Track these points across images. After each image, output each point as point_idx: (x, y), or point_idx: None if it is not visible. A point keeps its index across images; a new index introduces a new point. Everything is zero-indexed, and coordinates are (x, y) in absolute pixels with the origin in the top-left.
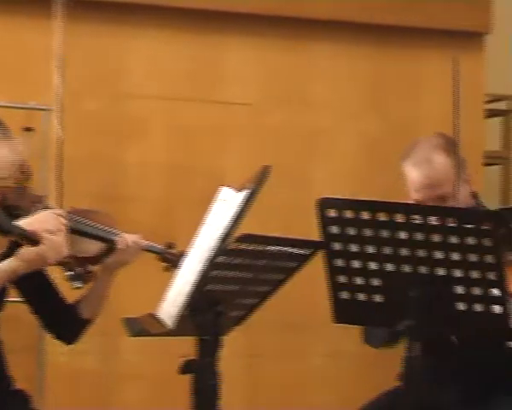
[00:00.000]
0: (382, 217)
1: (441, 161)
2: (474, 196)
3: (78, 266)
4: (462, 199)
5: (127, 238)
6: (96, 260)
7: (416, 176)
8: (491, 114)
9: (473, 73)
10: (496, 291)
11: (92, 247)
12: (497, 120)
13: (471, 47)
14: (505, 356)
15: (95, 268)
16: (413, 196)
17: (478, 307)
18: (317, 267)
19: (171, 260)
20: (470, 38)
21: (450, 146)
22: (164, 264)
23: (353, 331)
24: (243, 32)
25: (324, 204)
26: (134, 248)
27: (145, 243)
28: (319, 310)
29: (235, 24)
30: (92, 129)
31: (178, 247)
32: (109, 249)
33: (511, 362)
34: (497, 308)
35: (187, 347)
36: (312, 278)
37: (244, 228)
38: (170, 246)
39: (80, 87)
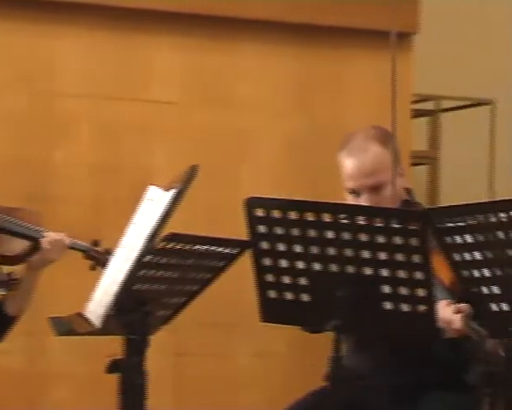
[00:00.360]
0: (310, 217)
1: (376, 150)
2: (408, 191)
3: (2, 264)
4: (398, 191)
5: (52, 236)
6: (20, 258)
7: (351, 165)
8: (419, 114)
9: (400, 73)
10: (422, 291)
11: (16, 245)
12: (424, 120)
13: (399, 47)
14: (434, 355)
15: (19, 274)
16: (348, 186)
17: (405, 307)
18: (244, 266)
19: (97, 257)
20: (398, 39)
21: (386, 137)
22: (90, 262)
23: (281, 331)
24: (170, 32)
25: (252, 204)
26: (59, 246)
27: (70, 240)
28: (247, 309)
29: (162, 23)
30: (19, 128)
31: (106, 246)
32: (34, 248)
33: (440, 361)
34: (423, 308)
35: (114, 346)
36: (240, 278)
37: (171, 227)
38: (95, 243)
39: (3, 85)
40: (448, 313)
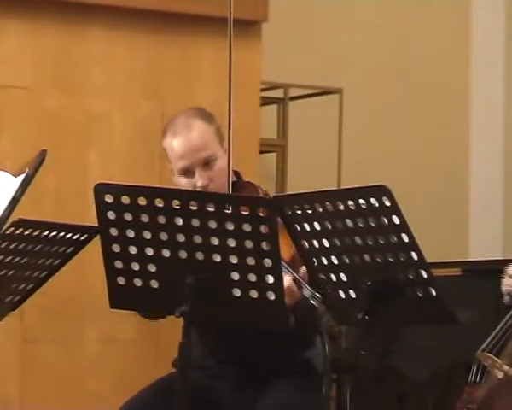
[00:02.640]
0: (159, 203)
1: (200, 125)
2: (237, 173)
3: None
4: (225, 166)
5: None
6: None
7: (178, 144)
8: (268, 101)
9: (249, 60)
10: (271, 278)
11: None
12: (273, 108)
13: (248, 35)
14: (280, 341)
15: None
16: (180, 166)
17: (254, 294)
18: (93, 253)
19: None
20: (247, 27)
21: (207, 115)
22: None
23: (129, 318)
24: (20, 17)
25: (101, 189)
26: None
27: None
28: (95, 296)
29: (12, 8)
30: None
31: None
32: None
33: (286, 348)
34: (271, 295)
35: None
36: (89, 264)
37: (19, 213)
38: None
39: None
40: (288, 281)
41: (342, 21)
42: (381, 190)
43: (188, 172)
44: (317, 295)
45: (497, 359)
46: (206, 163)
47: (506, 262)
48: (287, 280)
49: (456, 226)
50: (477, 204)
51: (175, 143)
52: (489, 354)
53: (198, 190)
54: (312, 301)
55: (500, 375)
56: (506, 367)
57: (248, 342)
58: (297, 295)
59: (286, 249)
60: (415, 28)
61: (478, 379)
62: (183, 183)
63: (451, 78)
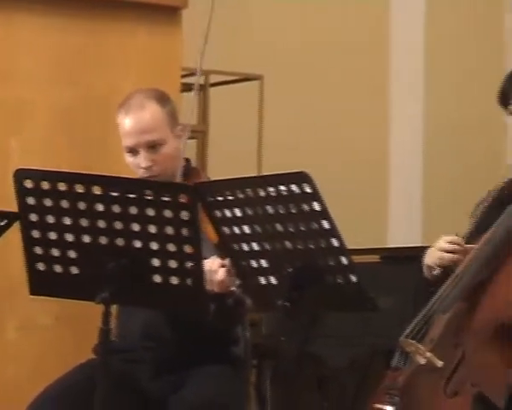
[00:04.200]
0: (79, 189)
1: (153, 107)
2: (187, 161)
3: None
4: (173, 152)
5: None
6: None
7: (127, 122)
8: (188, 88)
9: (170, 46)
10: (191, 264)
11: None
12: (193, 94)
13: (168, 21)
14: (199, 328)
15: None
16: (126, 144)
17: (174, 280)
18: (12, 238)
19: None
20: (167, 13)
21: (164, 97)
22: None
23: (48, 304)
24: None
25: (20, 175)
26: None
27: None
28: (14, 282)
29: None
30: None
31: None
32: None
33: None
34: (191, 281)
35: None
36: (9, 250)
37: None
38: None
39: None
40: (214, 265)
41: (262, 8)
42: (301, 177)
43: (133, 150)
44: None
45: (419, 345)
46: (152, 146)
47: (424, 249)
48: (220, 270)
49: (375, 213)
50: (396, 191)
51: (125, 121)
52: (412, 341)
53: (141, 170)
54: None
55: (422, 361)
56: (428, 354)
57: (171, 330)
58: (228, 285)
59: (212, 230)
60: (334, 14)
61: (400, 365)
62: (129, 160)
63: (370, 64)
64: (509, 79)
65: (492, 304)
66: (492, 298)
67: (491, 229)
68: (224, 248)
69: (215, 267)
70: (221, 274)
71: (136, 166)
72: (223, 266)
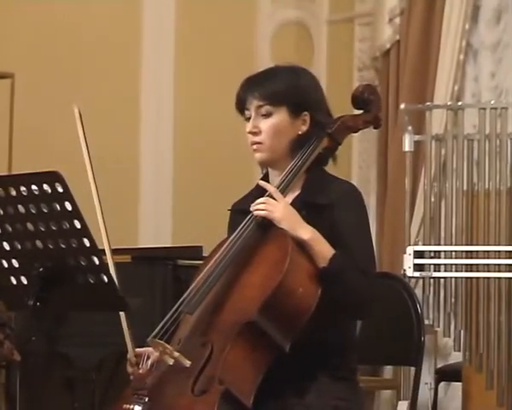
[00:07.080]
0: None
1: None
2: None
3: None
4: None
5: None
6: None
7: None
8: None
9: None
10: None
11: None
12: None
13: None
14: None
15: None
16: None
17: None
18: None
19: None
20: None
21: None
22: None
23: None
24: None
25: None
26: None
27: None
28: None
29: None
30: None
31: None
32: None
33: None
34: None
35: None
36: None
37: None
38: None
39: None
40: None
41: (13, 7)
42: (53, 177)
43: None
44: None
45: (167, 345)
46: None
47: (173, 250)
48: None
49: (126, 213)
50: (146, 191)
51: None
52: (160, 341)
53: None
54: None
55: (171, 361)
56: (176, 354)
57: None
58: None
59: None
60: (86, 14)
61: (148, 366)
62: None
63: (122, 64)
64: (243, 86)
65: (237, 303)
66: (238, 296)
67: (235, 232)
68: None
69: None
70: None
71: None
72: None
